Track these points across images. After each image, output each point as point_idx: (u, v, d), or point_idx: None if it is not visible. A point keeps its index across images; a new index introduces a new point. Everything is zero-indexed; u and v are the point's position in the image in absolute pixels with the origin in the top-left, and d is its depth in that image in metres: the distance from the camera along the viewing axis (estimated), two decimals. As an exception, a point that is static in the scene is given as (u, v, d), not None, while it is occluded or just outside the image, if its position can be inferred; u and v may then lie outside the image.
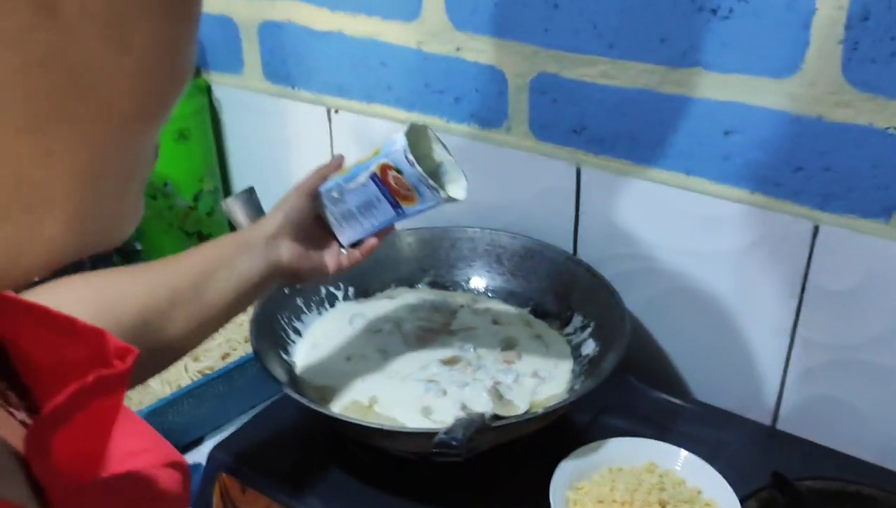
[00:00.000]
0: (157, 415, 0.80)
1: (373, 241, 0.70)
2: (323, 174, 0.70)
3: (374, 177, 0.67)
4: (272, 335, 0.77)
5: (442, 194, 0.65)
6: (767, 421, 0.82)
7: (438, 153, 0.69)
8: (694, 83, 0.76)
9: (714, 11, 0.73)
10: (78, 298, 0.56)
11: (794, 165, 0.74)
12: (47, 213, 0.27)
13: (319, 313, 0.84)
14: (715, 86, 0.75)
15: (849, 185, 0.72)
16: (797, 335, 0.77)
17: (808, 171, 0.73)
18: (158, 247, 1.11)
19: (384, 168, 0.66)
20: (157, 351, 0.59)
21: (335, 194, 0.69)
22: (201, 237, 1.11)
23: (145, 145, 0.30)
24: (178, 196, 1.08)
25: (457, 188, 0.68)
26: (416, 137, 0.67)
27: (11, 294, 0.33)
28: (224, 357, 0.92)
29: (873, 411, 0.75)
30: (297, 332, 0.81)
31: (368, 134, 0.99)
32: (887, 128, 0.68)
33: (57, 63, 0.25)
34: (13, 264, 0.27)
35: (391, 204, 0.67)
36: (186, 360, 0.91)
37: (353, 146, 1.02)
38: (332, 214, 0.70)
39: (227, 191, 1.18)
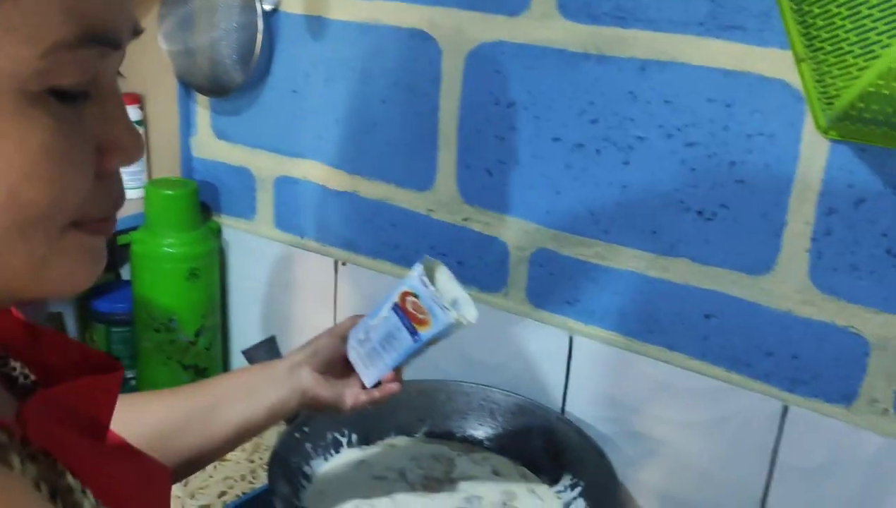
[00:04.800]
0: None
1: (393, 387, 0.75)
2: (356, 320, 0.77)
3: (395, 306, 0.73)
4: (287, 478, 0.81)
5: (452, 314, 0.70)
6: (739, 584, 0.88)
7: (452, 288, 0.74)
8: (679, 271, 0.87)
9: (700, 213, 0.84)
10: None
11: (765, 350, 0.84)
12: None
13: (326, 459, 0.89)
14: (698, 275, 0.86)
15: (814, 373, 0.82)
16: (767, 506, 0.85)
17: (778, 357, 0.83)
18: (152, 379, 1.15)
19: (404, 295, 0.73)
20: (176, 463, 0.66)
21: (361, 335, 0.75)
22: (198, 371, 1.15)
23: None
24: (181, 331, 1.12)
25: (466, 314, 0.72)
26: (431, 271, 0.74)
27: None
28: (221, 495, 0.95)
29: (835, 580, 0.83)
30: (307, 478, 0.85)
31: (373, 287, 1.07)
32: (847, 327, 0.79)
33: None
34: None
35: (409, 331, 0.73)
36: (184, 498, 0.93)
37: (357, 298, 1.09)
38: (357, 355, 0.76)
39: (226, 329, 1.23)
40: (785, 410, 0.83)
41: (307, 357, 0.74)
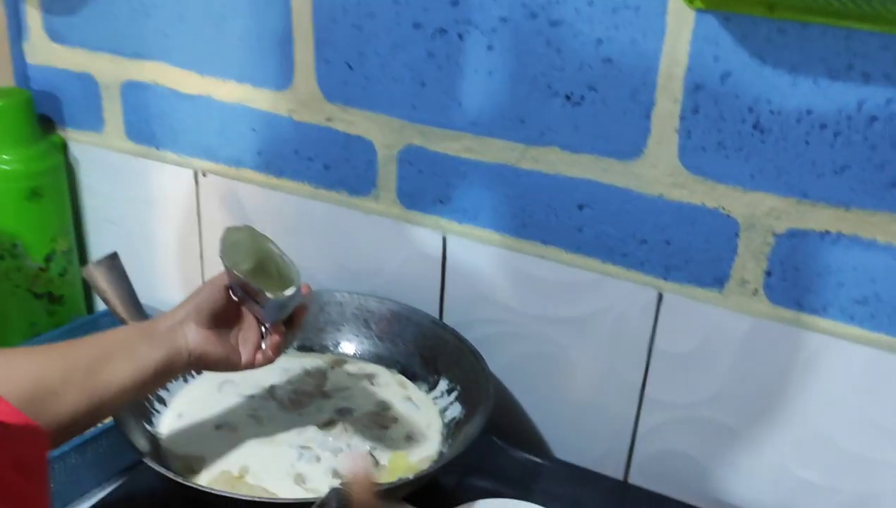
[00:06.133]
0: (5, 493, 0.75)
1: (275, 338, 0.70)
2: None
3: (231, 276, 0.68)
4: (134, 404, 0.75)
5: (268, 295, 0.66)
6: (620, 475, 0.88)
7: (270, 250, 0.70)
8: (550, 161, 0.83)
9: (568, 97, 0.79)
10: None
11: (639, 238, 0.81)
12: None
13: (185, 381, 0.83)
14: (569, 164, 0.82)
15: (686, 257, 0.79)
16: (645, 394, 0.84)
17: (652, 244, 0.81)
18: (2, 310, 1.05)
19: (228, 273, 0.67)
20: (51, 428, 0.59)
21: (236, 293, 0.69)
22: (52, 298, 1.06)
23: None
24: (27, 257, 1.03)
25: (286, 281, 0.68)
26: (251, 239, 0.68)
27: None
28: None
29: (711, 463, 0.83)
30: (163, 402, 0.79)
31: (237, 198, 1.00)
32: (717, 208, 0.76)
33: None
34: None
35: (257, 303, 0.68)
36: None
37: (221, 210, 1.01)
38: (245, 305, 0.70)
39: (83, 252, 1.14)
40: (660, 298, 0.81)
41: (189, 313, 0.68)
